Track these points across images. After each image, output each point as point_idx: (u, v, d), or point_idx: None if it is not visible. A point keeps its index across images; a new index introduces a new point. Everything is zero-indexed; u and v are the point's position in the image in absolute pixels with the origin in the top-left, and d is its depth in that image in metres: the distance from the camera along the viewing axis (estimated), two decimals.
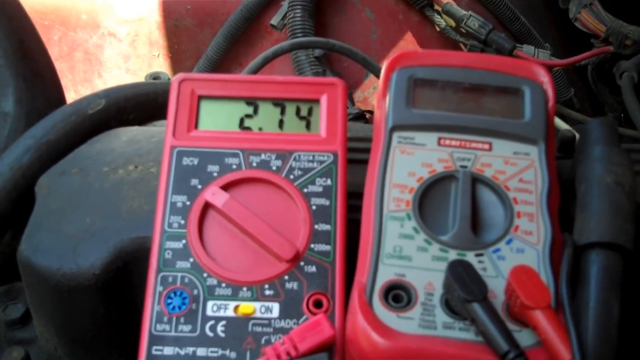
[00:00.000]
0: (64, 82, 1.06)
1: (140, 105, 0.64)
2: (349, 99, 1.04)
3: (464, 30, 1.07)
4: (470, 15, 1.05)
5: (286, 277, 0.47)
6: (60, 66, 1.08)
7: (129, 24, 1.10)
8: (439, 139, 0.49)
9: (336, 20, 1.08)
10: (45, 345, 0.57)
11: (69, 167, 0.57)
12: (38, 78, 0.67)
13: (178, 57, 1.10)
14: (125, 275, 0.52)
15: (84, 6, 1.10)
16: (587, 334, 0.42)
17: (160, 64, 1.09)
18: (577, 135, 0.55)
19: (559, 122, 0.79)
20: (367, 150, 0.51)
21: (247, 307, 0.46)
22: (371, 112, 0.93)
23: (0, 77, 0.66)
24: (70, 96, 1.06)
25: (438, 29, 1.09)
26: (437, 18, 1.08)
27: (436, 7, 1.08)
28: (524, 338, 0.41)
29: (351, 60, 0.89)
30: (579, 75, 1.16)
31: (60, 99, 0.70)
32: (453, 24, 1.07)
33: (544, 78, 0.52)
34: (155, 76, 0.79)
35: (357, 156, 0.53)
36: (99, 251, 0.51)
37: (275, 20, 1.06)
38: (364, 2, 1.09)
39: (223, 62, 1.08)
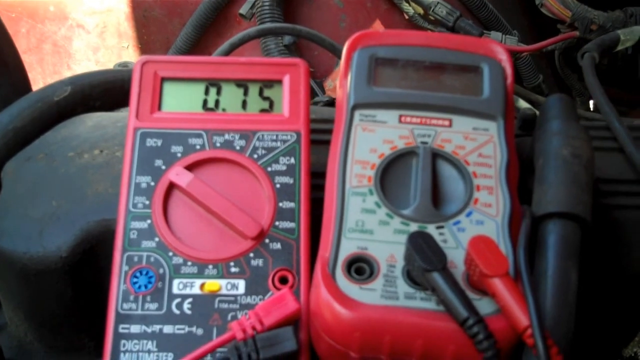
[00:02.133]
0: (33, 75, 1.06)
1: (106, 92, 0.64)
2: (319, 87, 1.04)
3: (432, 18, 1.07)
4: (438, 3, 1.06)
5: (251, 255, 0.48)
6: (28, 59, 1.07)
7: (98, 15, 1.09)
8: (400, 116, 0.50)
9: (305, 9, 1.09)
10: (14, 330, 0.57)
11: (35, 153, 0.57)
12: (3, 66, 0.67)
13: (147, 48, 1.09)
14: (92, 257, 0.52)
15: None
16: (546, 301, 0.42)
17: (130, 55, 1.09)
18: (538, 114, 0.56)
19: (520, 102, 0.80)
20: (331, 131, 0.51)
21: (213, 284, 0.47)
22: None
23: None
24: None
25: (406, 17, 1.09)
26: (405, 6, 1.08)
27: None
28: (484, 306, 0.42)
29: (321, 49, 0.89)
30: (547, 62, 1.18)
31: (26, 86, 0.69)
32: (421, 11, 1.08)
33: (503, 56, 0.52)
34: (123, 64, 0.79)
35: (321, 137, 0.53)
36: (65, 234, 0.52)
37: (244, 9, 1.06)
38: None
39: (192, 52, 1.08)
